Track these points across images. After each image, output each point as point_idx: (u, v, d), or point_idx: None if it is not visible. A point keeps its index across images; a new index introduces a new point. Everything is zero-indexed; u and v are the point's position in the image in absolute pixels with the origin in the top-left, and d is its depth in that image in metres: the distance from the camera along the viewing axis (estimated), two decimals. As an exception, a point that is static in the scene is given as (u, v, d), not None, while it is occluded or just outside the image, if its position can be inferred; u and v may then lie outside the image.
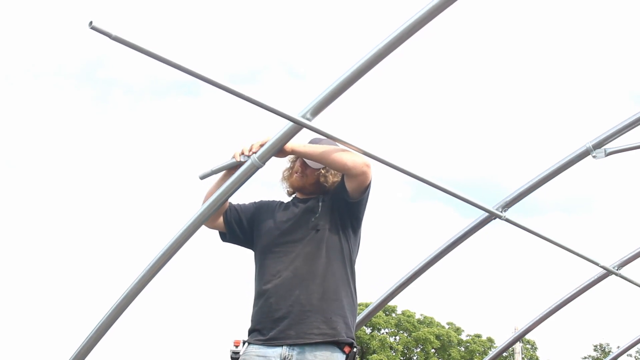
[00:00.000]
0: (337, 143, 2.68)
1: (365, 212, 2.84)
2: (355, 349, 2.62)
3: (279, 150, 2.58)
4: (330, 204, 2.78)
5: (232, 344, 2.67)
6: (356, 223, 2.80)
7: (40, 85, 44.50)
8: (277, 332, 2.58)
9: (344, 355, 2.58)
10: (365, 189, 2.71)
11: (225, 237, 2.96)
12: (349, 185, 2.69)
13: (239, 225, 2.91)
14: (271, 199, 3.01)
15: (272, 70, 47.42)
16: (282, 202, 2.96)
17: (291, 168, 2.93)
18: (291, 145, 2.65)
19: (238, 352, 2.67)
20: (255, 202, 3.00)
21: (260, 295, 2.70)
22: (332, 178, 2.83)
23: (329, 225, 2.73)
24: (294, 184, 2.90)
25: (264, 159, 2.57)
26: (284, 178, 2.97)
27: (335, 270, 2.68)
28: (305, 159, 2.82)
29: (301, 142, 2.72)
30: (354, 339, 2.65)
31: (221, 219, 2.91)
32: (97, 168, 43.52)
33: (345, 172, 2.68)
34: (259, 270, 2.77)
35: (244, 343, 2.70)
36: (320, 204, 2.78)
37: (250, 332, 2.69)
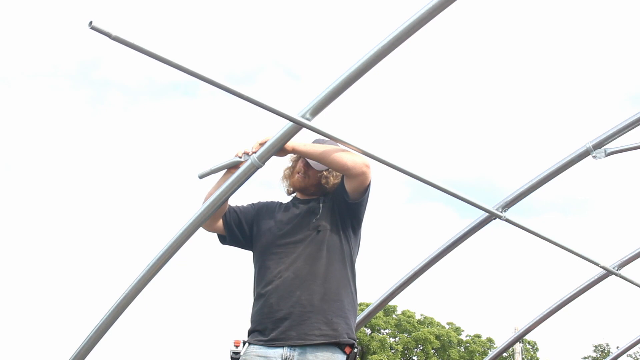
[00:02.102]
0: (338, 144, 2.68)
1: (366, 213, 2.84)
2: (356, 349, 2.62)
3: (278, 150, 2.58)
4: (330, 205, 2.78)
5: (232, 344, 2.67)
6: (356, 224, 2.80)
7: (36, 86, 44.48)
8: (278, 333, 2.58)
9: (345, 356, 2.59)
10: (364, 190, 2.71)
11: (224, 239, 2.95)
12: (349, 186, 2.69)
13: (238, 227, 2.90)
14: (270, 200, 3.01)
15: (268, 71, 47.41)
16: (282, 203, 2.95)
17: (292, 167, 2.93)
18: (292, 143, 2.65)
19: (238, 353, 2.66)
20: (254, 204, 2.99)
21: (261, 295, 2.69)
22: (333, 180, 2.83)
23: (330, 226, 2.73)
24: (296, 184, 2.90)
25: (263, 159, 2.56)
26: (284, 177, 2.96)
27: (336, 271, 2.68)
28: (307, 160, 2.82)
29: (303, 141, 2.72)
30: (355, 340, 2.65)
31: (220, 222, 2.90)
32: (94, 169, 43.54)
33: (344, 172, 2.68)
34: (259, 271, 2.76)
35: (244, 343, 2.69)
36: (321, 205, 2.78)
37: (251, 332, 2.68)
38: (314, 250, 2.69)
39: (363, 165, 2.64)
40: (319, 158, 2.69)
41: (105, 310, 3.01)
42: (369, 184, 2.72)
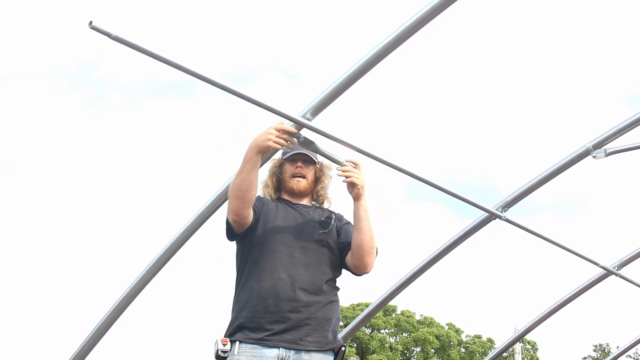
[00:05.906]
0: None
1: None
2: (343, 348, 2.66)
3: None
4: (336, 230, 2.77)
5: (220, 342, 2.60)
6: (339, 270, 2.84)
7: (35, 86, 44.43)
8: (271, 334, 2.56)
9: (334, 355, 2.63)
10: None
11: (236, 235, 2.73)
12: (347, 262, 2.74)
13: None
14: (261, 194, 2.85)
15: (267, 71, 47.36)
16: (277, 202, 2.82)
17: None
18: (363, 191, 2.64)
19: (227, 351, 2.61)
20: (258, 195, 2.79)
21: (254, 291, 2.62)
22: (324, 190, 2.86)
23: (333, 245, 2.73)
24: (300, 188, 2.82)
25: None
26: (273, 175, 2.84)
27: (330, 284, 2.71)
28: (319, 165, 2.79)
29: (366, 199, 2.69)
30: (342, 342, 2.70)
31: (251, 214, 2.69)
32: (93, 168, 43.55)
33: (359, 262, 2.70)
34: (257, 268, 2.66)
35: (232, 342, 2.63)
36: (332, 221, 2.76)
37: (240, 328, 2.62)
38: (314, 260, 2.68)
39: (366, 271, 2.73)
40: (364, 231, 2.67)
41: (106, 310, 3.02)
42: None
